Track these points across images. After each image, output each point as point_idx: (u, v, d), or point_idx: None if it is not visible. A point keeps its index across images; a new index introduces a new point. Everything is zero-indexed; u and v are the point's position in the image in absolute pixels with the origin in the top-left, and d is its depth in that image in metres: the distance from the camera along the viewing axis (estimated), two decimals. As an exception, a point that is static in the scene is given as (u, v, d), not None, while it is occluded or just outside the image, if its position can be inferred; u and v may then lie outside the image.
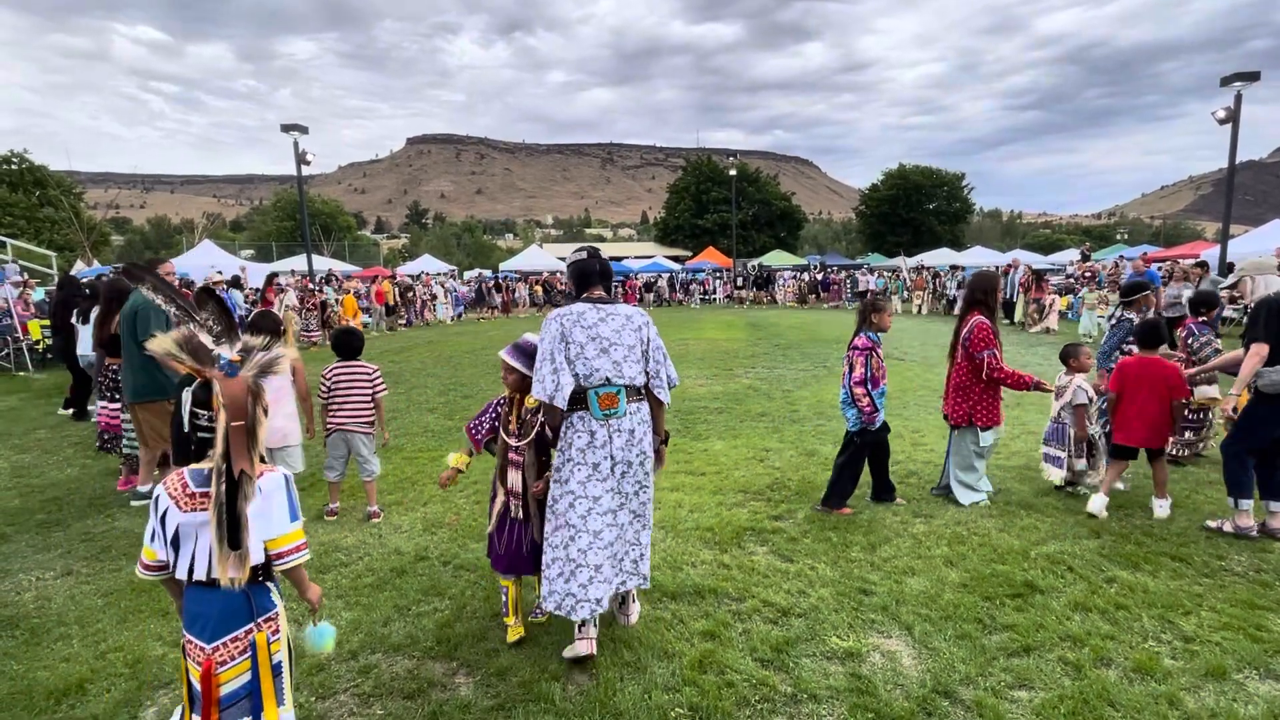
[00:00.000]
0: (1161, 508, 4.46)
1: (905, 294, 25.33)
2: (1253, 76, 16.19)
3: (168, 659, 3.09)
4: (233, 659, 1.99)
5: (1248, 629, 3.12)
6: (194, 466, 2.03)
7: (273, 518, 2.05)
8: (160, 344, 1.95)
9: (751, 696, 2.76)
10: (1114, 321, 5.90)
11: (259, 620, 2.03)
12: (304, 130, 20.35)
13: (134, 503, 5.43)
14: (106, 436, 5.91)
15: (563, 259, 41.41)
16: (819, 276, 30.97)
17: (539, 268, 35.69)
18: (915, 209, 50.28)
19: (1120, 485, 5.04)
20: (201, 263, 24.13)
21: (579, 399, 3.02)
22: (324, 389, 4.83)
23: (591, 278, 3.20)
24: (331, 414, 4.84)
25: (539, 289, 31.23)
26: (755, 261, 39.18)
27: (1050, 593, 3.50)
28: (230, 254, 29.38)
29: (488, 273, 37.67)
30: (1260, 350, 3.99)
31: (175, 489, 1.99)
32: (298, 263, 28.15)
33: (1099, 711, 2.58)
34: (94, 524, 4.87)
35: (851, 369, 4.67)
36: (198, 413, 2.02)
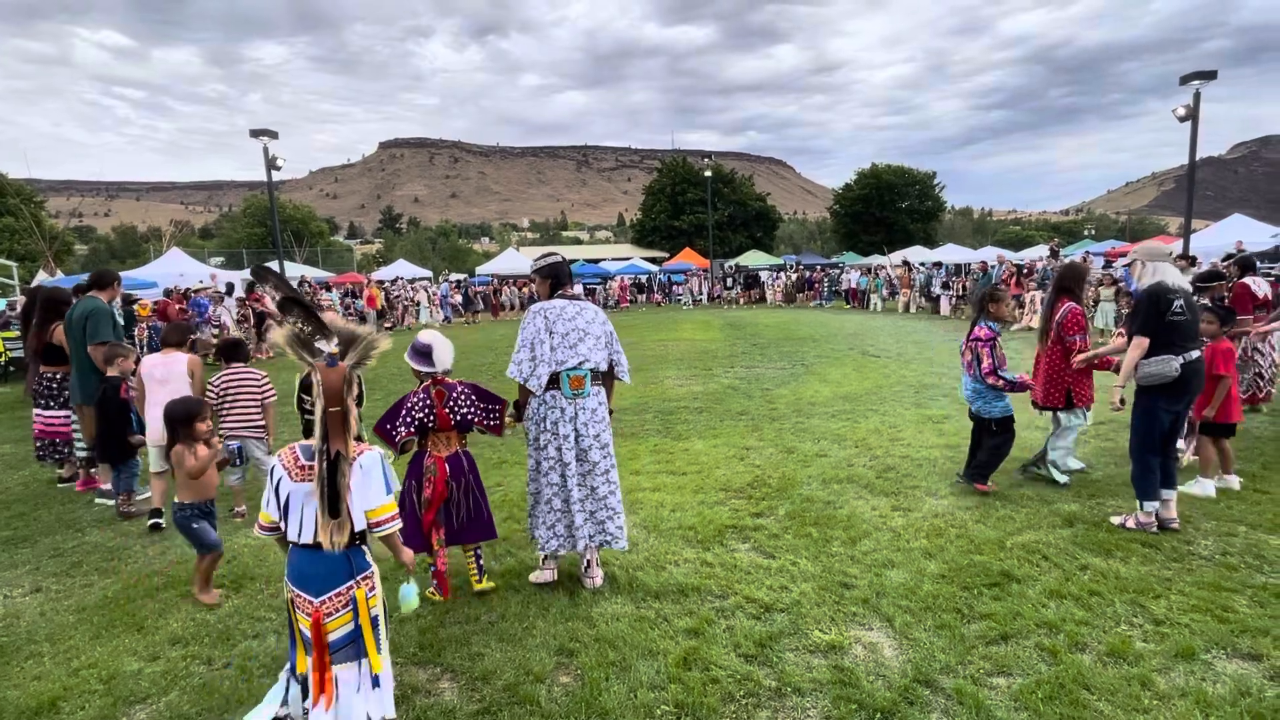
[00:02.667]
0: (1232, 480, 4.81)
1: (885, 293, 25.27)
2: (1210, 75, 16.64)
3: (144, 674, 3.03)
4: (338, 610, 2.30)
5: (1215, 611, 3.21)
6: (304, 443, 2.34)
7: (371, 490, 2.33)
8: (277, 337, 2.28)
9: (736, 692, 2.77)
10: None
11: (358, 578, 2.33)
12: (274, 135, 20.03)
13: (98, 500, 5.48)
14: (44, 444, 5.90)
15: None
16: (807, 276, 31.19)
17: (517, 271, 35.50)
18: (888, 208, 50.82)
19: (1079, 465, 5.24)
20: (170, 271, 23.66)
21: (552, 380, 3.56)
22: (213, 396, 4.96)
23: (564, 278, 3.81)
24: (223, 419, 4.98)
25: (527, 291, 31.26)
26: (733, 262, 39.35)
27: (1026, 581, 3.57)
28: (199, 261, 28.83)
29: (472, 276, 37.48)
30: (1141, 343, 4.00)
31: (289, 461, 2.31)
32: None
33: (1075, 695, 2.64)
34: (63, 539, 4.76)
35: (979, 360, 4.86)
36: (303, 398, 2.35)
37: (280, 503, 2.31)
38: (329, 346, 2.25)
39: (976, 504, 4.71)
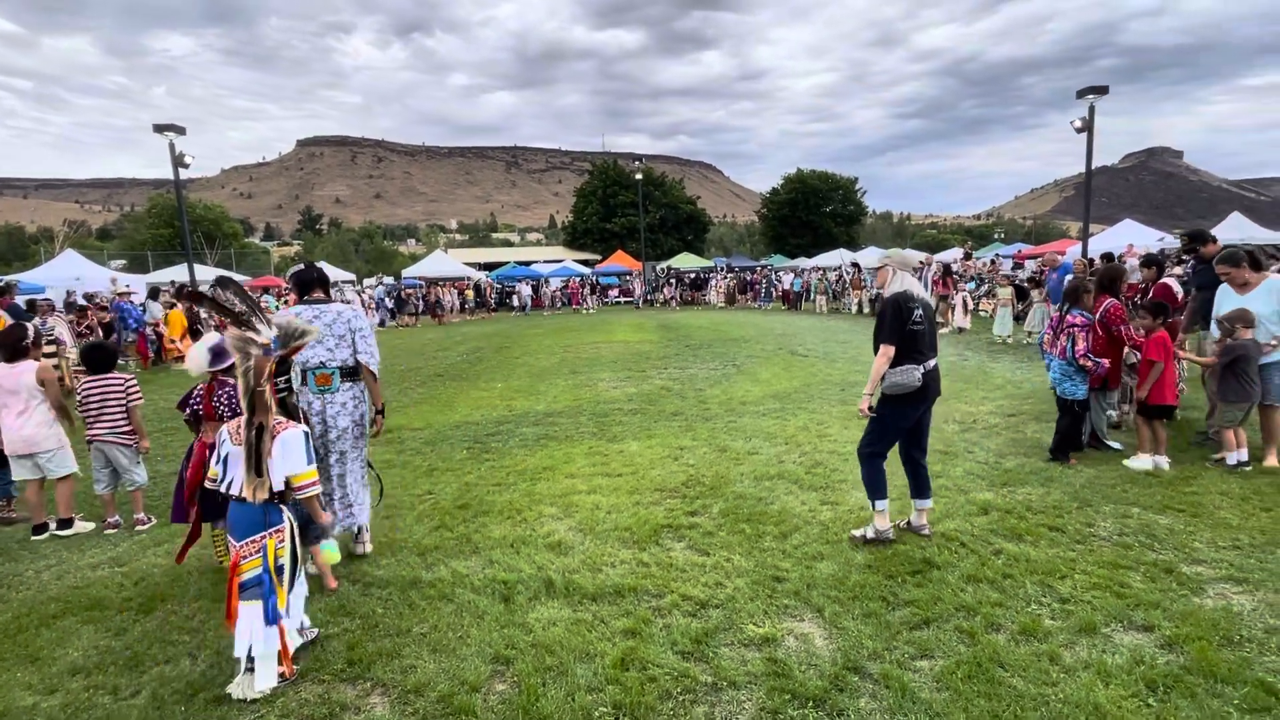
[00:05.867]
0: (1162, 461, 5.28)
1: (832, 293, 25.58)
2: (1102, 90, 17.89)
3: (40, 709, 2.81)
4: (251, 555, 2.86)
5: (1113, 587, 3.46)
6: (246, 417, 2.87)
7: (292, 460, 2.94)
8: (230, 336, 2.91)
9: (674, 689, 2.80)
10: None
11: (269, 530, 2.90)
12: (181, 131, 18.91)
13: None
14: None
15: (470, 264, 40.53)
16: (746, 278, 31.68)
17: (445, 274, 34.71)
18: (813, 212, 52.40)
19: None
20: (65, 274, 22.07)
21: (302, 377, 3.84)
22: (79, 403, 4.87)
23: (311, 284, 4.11)
24: (89, 427, 4.89)
25: (470, 293, 30.92)
26: (664, 264, 39.66)
27: (945, 568, 3.75)
28: (99, 265, 26.93)
29: (397, 279, 36.44)
30: (888, 351, 3.96)
31: (233, 429, 2.95)
32: (178, 273, 26.19)
33: (991, 673, 2.79)
34: (-57, 567, 4.35)
35: (1073, 342, 5.42)
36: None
37: (223, 460, 2.93)
38: (261, 338, 2.88)
39: (898, 496, 4.89)
